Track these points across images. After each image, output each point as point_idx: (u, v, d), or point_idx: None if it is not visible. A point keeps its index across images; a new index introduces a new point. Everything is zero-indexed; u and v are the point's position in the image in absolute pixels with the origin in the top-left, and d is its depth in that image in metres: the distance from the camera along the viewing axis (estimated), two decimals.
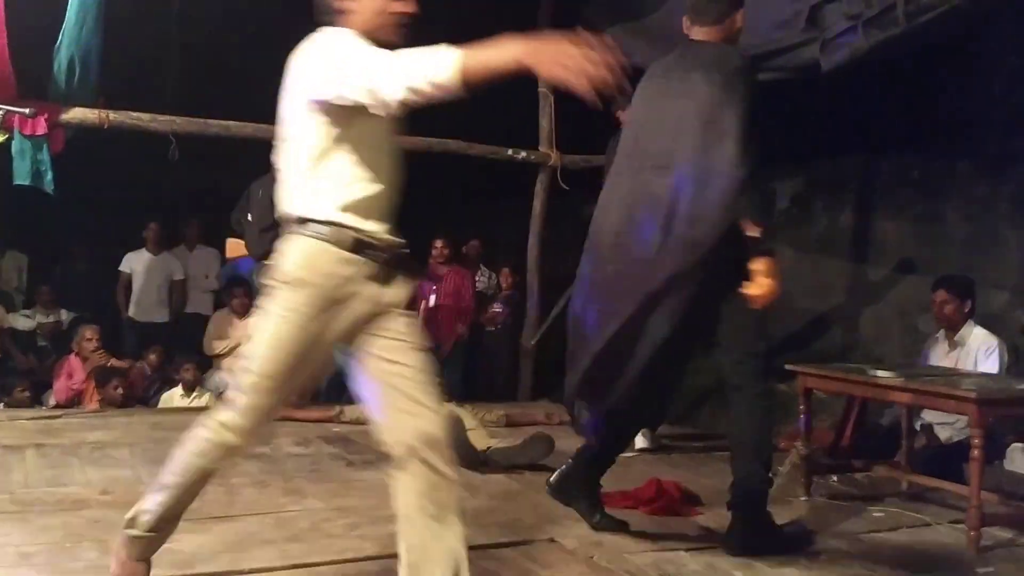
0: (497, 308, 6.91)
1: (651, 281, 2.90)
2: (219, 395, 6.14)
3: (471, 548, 2.04)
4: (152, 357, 6.50)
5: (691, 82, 2.97)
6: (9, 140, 5.16)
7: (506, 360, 6.85)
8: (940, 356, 4.54)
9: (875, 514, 3.62)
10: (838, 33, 4.47)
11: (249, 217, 5.58)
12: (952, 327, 4.48)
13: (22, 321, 7.17)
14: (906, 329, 6.19)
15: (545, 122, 6.47)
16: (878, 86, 5.76)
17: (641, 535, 3.19)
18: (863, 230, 6.77)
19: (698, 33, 3.13)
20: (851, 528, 3.40)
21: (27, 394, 5.94)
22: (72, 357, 6.17)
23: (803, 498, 3.78)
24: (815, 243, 7.16)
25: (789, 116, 6.42)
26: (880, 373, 3.62)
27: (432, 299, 6.82)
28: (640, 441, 4.76)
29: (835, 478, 4.04)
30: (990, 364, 4.33)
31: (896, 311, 6.41)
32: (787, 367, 4.17)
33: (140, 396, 6.24)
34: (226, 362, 6.68)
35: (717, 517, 3.42)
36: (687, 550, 3.06)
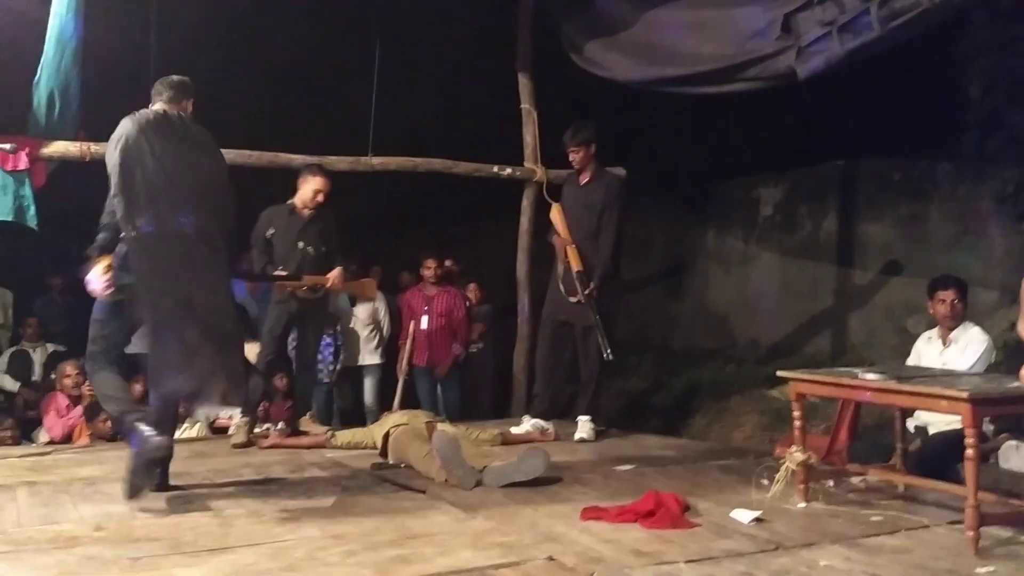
0: (477, 326, 6.90)
1: None
2: (211, 425, 6.07)
3: (468, 571, 2.01)
4: (137, 387, 6.43)
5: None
6: None
7: (489, 377, 6.81)
8: (932, 356, 4.56)
9: (873, 518, 3.61)
10: (813, 40, 4.49)
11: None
12: (952, 326, 4.52)
13: (7, 382, 7.03)
14: (895, 330, 6.23)
15: (529, 138, 6.48)
16: (855, 92, 5.81)
17: (640, 550, 3.18)
18: (847, 234, 6.81)
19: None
20: (849, 533, 3.40)
21: (9, 433, 5.85)
22: (58, 393, 6.10)
23: (801, 505, 3.78)
24: (800, 249, 7.19)
25: (768, 126, 6.48)
26: (871, 376, 3.63)
27: (424, 320, 6.77)
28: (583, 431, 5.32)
29: (831, 483, 4.04)
30: (968, 357, 4.39)
31: (884, 313, 6.44)
32: (778, 374, 4.17)
33: None
34: None
35: (716, 528, 3.43)
36: (687, 562, 3.05)
